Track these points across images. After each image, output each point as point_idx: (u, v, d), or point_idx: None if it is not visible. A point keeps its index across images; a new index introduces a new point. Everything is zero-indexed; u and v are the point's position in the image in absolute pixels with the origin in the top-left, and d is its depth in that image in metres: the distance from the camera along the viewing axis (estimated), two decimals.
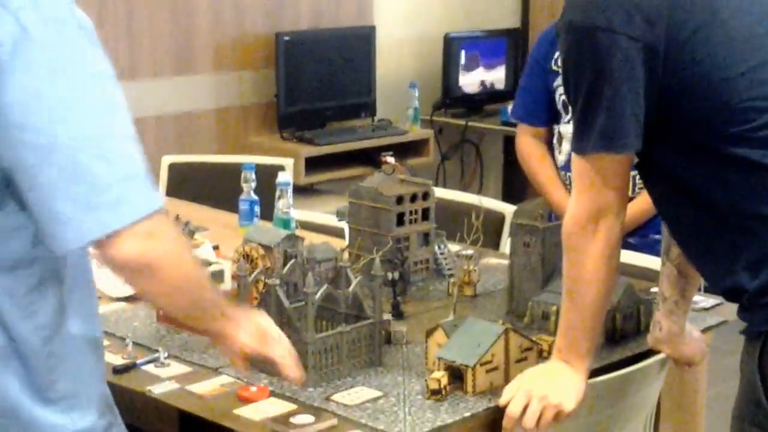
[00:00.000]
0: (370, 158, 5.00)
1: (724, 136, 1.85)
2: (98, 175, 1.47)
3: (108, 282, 2.70)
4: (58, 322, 1.59)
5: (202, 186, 4.04)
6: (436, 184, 5.58)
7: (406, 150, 5.19)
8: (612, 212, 1.96)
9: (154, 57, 4.70)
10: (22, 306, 1.55)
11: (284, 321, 2.17)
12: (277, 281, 2.22)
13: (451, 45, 5.48)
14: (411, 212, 2.79)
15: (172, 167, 4.10)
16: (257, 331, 1.82)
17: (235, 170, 3.85)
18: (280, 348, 1.87)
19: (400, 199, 2.78)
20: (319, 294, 2.17)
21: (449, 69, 5.50)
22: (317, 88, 5.08)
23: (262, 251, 2.60)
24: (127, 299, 2.64)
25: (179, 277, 1.58)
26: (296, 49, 4.98)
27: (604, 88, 1.87)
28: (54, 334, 1.58)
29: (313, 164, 4.87)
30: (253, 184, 3.31)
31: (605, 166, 1.93)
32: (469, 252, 2.99)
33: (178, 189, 4.03)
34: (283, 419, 1.97)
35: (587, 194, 1.97)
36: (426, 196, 2.83)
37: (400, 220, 2.78)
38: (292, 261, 2.39)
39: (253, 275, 2.30)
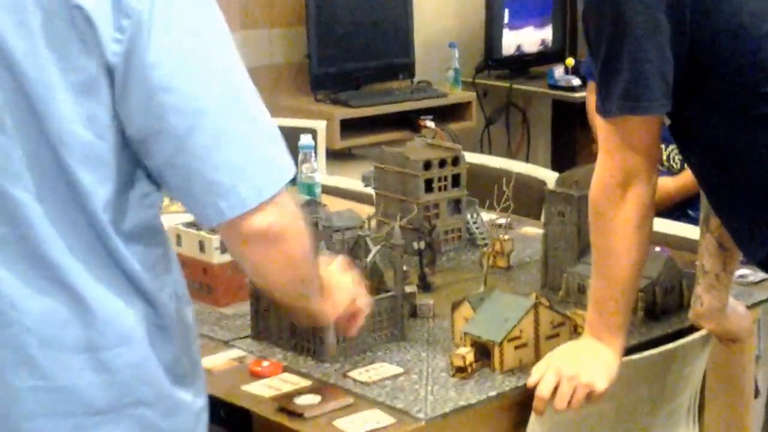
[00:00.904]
0: (408, 122, 4.83)
1: (756, 95, 1.74)
2: (250, 138, 1.39)
3: None
4: (178, 291, 1.51)
5: None
6: (481, 151, 5.42)
7: (446, 113, 5.01)
8: (640, 178, 1.83)
9: None
10: (155, 275, 1.46)
11: None
12: None
13: (494, 2, 5.28)
14: (440, 178, 2.65)
15: None
16: (348, 296, 1.71)
17: None
18: (364, 305, 1.75)
19: (428, 165, 2.64)
20: None
21: (492, 28, 5.30)
22: (352, 47, 4.91)
23: None
24: None
25: (299, 250, 1.48)
26: (329, 6, 4.81)
27: (624, 43, 1.72)
28: (179, 304, 1.50)
29: (348, 127, 4.71)
30: None
31: (631, 128, 1.80)
32: (503, 221, 2.85)
33: None
34: (287, 398, 1.83)
35: (613, 159, 1.84)
36: (456, 161, 2.68)
37: (429, 187, 2.64)
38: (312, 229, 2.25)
39: None
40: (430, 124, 4.81)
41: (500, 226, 2.81)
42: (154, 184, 1.45)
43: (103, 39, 1.34)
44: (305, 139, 3.03)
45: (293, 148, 3.47)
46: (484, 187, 2.82)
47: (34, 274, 1.39)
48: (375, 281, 2.14)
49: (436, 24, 5.34)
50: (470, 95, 5.13)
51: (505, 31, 5.34)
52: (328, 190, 3.16)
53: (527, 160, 5.49)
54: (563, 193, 2.40)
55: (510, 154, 5.51)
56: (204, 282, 2.32)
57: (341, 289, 1.69)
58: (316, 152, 3.90)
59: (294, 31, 4.86)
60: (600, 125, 1.85)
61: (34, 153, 1.37)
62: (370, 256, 2.13)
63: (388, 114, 4.84)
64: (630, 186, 1.83)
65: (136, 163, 1.42)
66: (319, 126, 4.01)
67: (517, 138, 5.72)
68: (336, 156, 4.62)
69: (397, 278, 2.12)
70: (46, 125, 1.36)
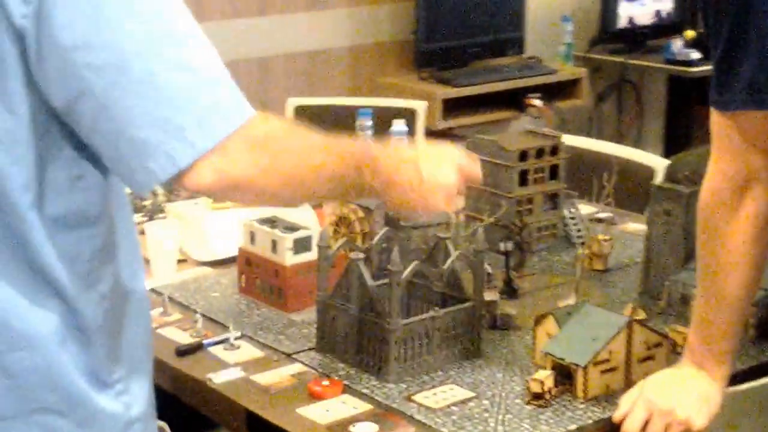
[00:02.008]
0: (515, 100, 4.59)
1: None
2: (182, 86, 1.22)
3: (193, 242, 2.45)
4: (115, 284, 1.35)
5: (329, 131, 3.76)
6: (589, 130, 5.16)
7: (555, 91, 4.76)
8: (761, 181, 1.59)
9: None
10: (85, 273, 1.30)
11: (366, 303, 1.86)
12: (361, 255, 1.90)
13: None
14: (536, 170, 2.43)
15: (299, 110, 3.84)
16: (446, 194, 1.52)
17: (372, 112, 3.58)
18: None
19: (523, 155, 2.42)
20: (406, 273, 1.83)
21: (607, 3, 5.02)
22: (460, 23, 4.68)
23: (361, 213, 2.29)
24: (212, 264, 2.38)
25: (278, 183, 1.32)
26: None
27: (750, 24, 1.47)
28: (113, 302, 1.34)
29: (452, 107, 4.50)
30: (369, 132, 2.99)
31: (753, 124, 1.56)
32: (605, 215, 2.62)
33: None
34: (342, 427, 1.65)
35: (730, 160, 1.60)
36: (555, 150, 2.46)
37: (524, 179, 2.42)
38: (385, 229, 2.06)
39: (336, 246, 1.98)
40: (538, 102, 4.55)
41: (600, 221, 2.60)
42: (93, 164, 1.28)
43: (8, 1, 1.18)
44: (397, 125, 2.84)
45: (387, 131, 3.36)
46: (587, 174, 2.61)
47: None
48: (453, 289, 1.94)
49: None
50: (581, 71, 4.86)
51: (622, 3, 5.05)
52: None
53: (639, 141, 5.21)
54: (670, 189, 2.15)
55: (620, 135, 5.22)
56: (275, 285, 2.16)
57: (435, 187, 1.49)
58: (414, 134, 3.75)
59: (401, 6, 4.66)
60: (714, 121, 1.60)
61: None
62: (449, 261, 1.93)
63: (494, 92, 4.61)
64: (747, 192, 1.60)
65: (62, 140, 1.26)
66: (419, 107, 3.82)
67: (628, 117, 5.43)
68: (436, 136, 4.41)
69: (477, 287, 1.92)
70: None
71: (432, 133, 4.37)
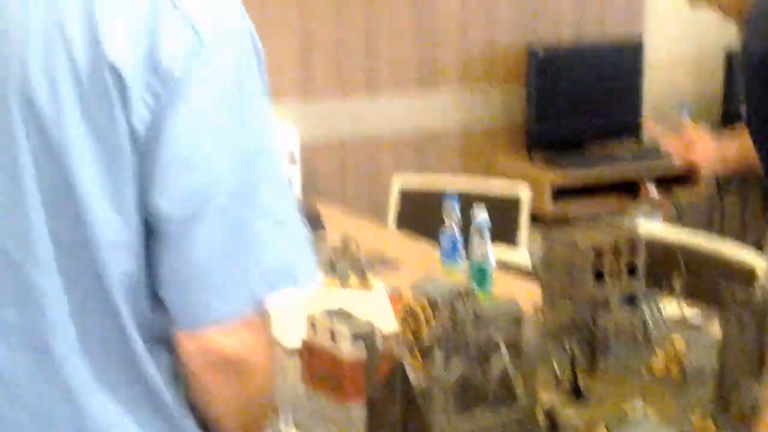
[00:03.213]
0: (629, 187, 4.50)
1: None
2: (264, 234, 1.20)
3: (283, 330, 2.43)
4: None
5: (433, 212, 3.73)
6: (710, 224, 4.98)
7: (674, 180, 4.63)
8: None
9: (395, 71, 4.41)
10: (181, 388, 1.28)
11: (410, 404, 1.80)
12: (406, 354, 1.85)
13: (733, 61, 4.87)
14: (613, 267, 2.34)
15: (404, 189, 3.83)
16: None
17: (474, 197, 3.53)
18: None
19: (598, 252, 2.34)
20: (454, 377, 1.78)
21: (730, 89, 4.89)
22: (573, 107, 4.63)
23: (428, 307, 2.24)
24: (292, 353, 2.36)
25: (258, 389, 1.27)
26: (551, 64, 4.55)
27: None
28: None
29: (563, 192, 4.43)
30: (457, 218, 2.95)
31: None
32: (691, 315, 2.51)
33: (407, 214, 3.76)
34: None
35: None
36: (633, 248, 2.37)
37: (599, 277, 2.34)
38: (437, 330, 2.00)
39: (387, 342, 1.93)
40: (654, 191, 4.45)
41: (684, 323, 2.49)
42: None
43: (131, 101, 1.16)
44: (479, 214, 2.79)
45: (504, 213, 3.31)
46: (678, 270, 2.51)
47: (37, 368, 1.22)
48: (506, 389, 1.87)
49: (669, 82, 4.98)
50: None
51: None
52: (508, 266, 2.92)
53: (760, 240, 5.01)
54: (742, 295, 2.05)
55: (741, 231, 5.03)
56: (333, 376, 2.13)
57: None
58: (518, 219, 3.69)
59: (513, 88, 4.62)
60: None
61: (57, 232, 1.21)
62: (499, 365, 1.86)
63: (607, 178, 4.52)
64: None
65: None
66: (523, 192, 3.76)
67: (753, 211, 5.24)
68: (546, 223, 4.34)
69: (528, 389, 1.84)
70: (71, 200, 1.19)
71: (541, 219, 4.31)
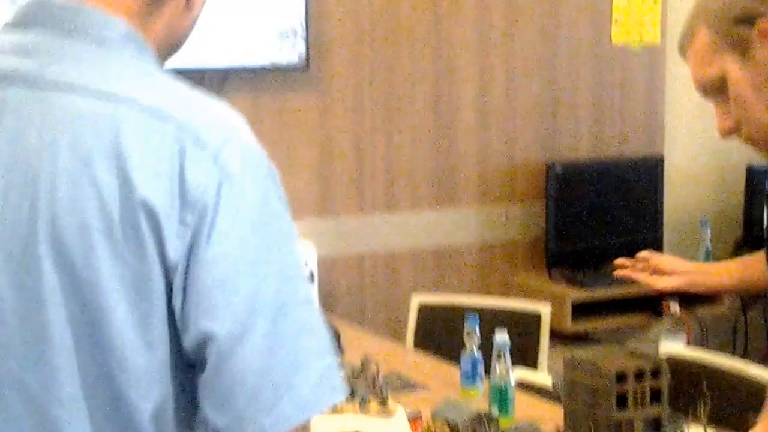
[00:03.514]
0: (652, 304, 4.44)
1: None
2: (305, 348, 1.22)
3: None
4: None
5: (453, 331, 3.69)
6: (734, 342, 4.92)
7: (695, 296, 4.57)
8: None
9: (414, 187, 4.41)
10: None
11: None
12: None
13: (754, 178, 4.85)
14: (635, 393, 2.29)
15: (422, 307, 3.80)
16: None
17: (493, 314, 3.49)
18: None
19: (621, 376, 2.29)
20: None
21: (752, 205, 4.86)
22: (593, 223, 4.60)
23: (447, 430, 2.20)
24: None
25: None
26: (570, 180, 4.54)
27: None
28: None
29: (584, 309, 4.37)
30: (477, 340, 2.90)
31: None
32: None
33: (426, 331, 3.72)
34: None
35: None
36: (656, 373, 2.32)
37: (622, 402, 2.28)
38: None
39: None
40: (676, 307, 4.39)
41: None
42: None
43: (165, 235, 1.18)
44: (499, 336, 2.74)
45: (524, 330, 3.27)
46: (700, 392, 2.45)
47: None
48: None
49: (689, 198, 4.96)
50: None
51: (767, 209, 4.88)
52: (527, 386, 2.86)
53: None
54: None
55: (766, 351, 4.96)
56: None
57: None
58: (539, 338, 3.64)
59: (532, 205, 4.61)
60: None
61: (84, 368, 1.20)
62: None
63: (628, 295, 4.46)
64: None
65: (187, 379, 1.23)
66: (543, 311, 3.72)
67: None
68: (567, 340, 4.29)
69: None
70: (100, 337, 1.19)
71: (561, 336, 4.25)
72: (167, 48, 1.35)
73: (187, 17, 1.36)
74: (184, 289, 1.19)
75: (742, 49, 1.57)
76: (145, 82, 1.25)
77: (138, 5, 1.29)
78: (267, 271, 1.21)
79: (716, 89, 1.63)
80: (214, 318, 1.18)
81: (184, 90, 1.27)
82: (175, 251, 1.18)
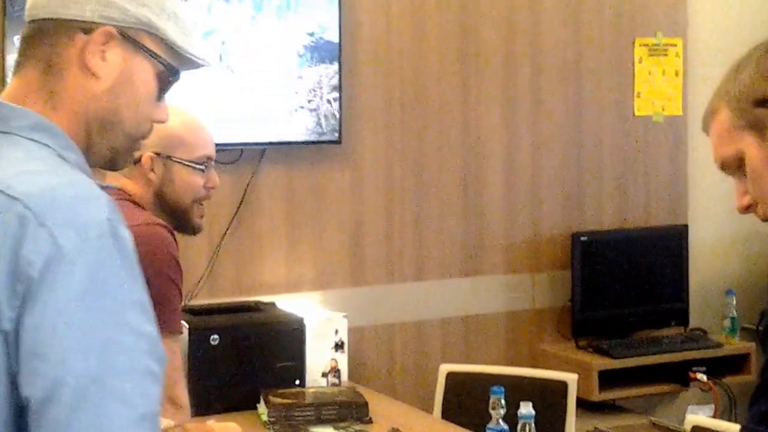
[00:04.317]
0: (678, 374, 4.47)
1: None
2: (111, 416, 1.29)
3: None
4: None
5: (479, 399, 3.73)
6: None
7: (722, 365, 4.60)
8: None
9: (443, 256, 4.48)
10: None
11: None
12: None
13: None
14: None
15: (450, 376, 3.83)
16: None
17: (520, 384, 3.52)
18: None
19: None
20: None
21: None
22: (619, 292, 4.65)
23: None
24: None
25: None
26: (596, 249, 4.60)
27: None
28: None
29: (611, 378, 4.40)
30: (502, 411, 2.95)
31: None
32: None
33: (454, 401, 3.75)
34: None
35: None
36: None
37: None
38: None
39: None
40: (702, 377, 4.42)
41: None
42: None
43: (2, 307, 1.30)
44: (525, 408, 2.80)
45: (551, 399, 3.28)
46: None
47: None
48: None
49: (715, 267, 5.00)
50: (749, 346, 4.70)
51: None
52: None
53: None
54: None
55: None
56: None
57: None
58: (566, 407, 3.67)
59: (558, 274, 4.67)
60: None
61: None
62: None
63: (655, 364, 4.49)
64: None
65: None
66: (571, 380, 3.76)
67: None
68: (595, 410, 4.32)
69: None
70: None
71: (588, 405, 4.28)
72: (98, 123, 1.48)
73: (97, 85, 1.47)
74: (16, 356, 1.30)
75: (759, 129, 1.63)
76: (18, 165, 1.38)
77: (37, 80, 1.44)
78: (84, 342, 1.29)
79: (735, 167, 1.68)
80: (28, 384, 1.29)
81: (51, 172, 1.39)
82: (9, 320, 1.29)
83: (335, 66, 4.11)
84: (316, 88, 4.11)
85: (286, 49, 4.06)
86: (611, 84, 4.81)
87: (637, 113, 4.86)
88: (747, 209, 1.73)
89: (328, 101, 4.13)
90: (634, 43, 4.85)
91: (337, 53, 4.13)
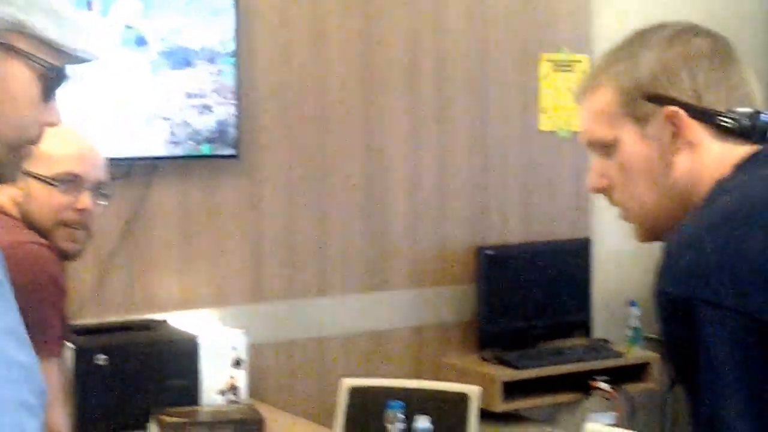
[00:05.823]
0: (581, 383, 4.50)
1: None
2: None
3: None
4: None
5: (381, 413, 3.72)
6: (664, 416, 4.99)
7: (624, 374, 4.65)
8: None
9: (346, 272, 4.46)
10: None
11: None
12: None
13: None
14: None
15: (353, 390, 3.82)
16: None
17: (423, 397, 3.52)
18: None
19: None
20: None
21: None
22: (524, 305, 4.68)
23: None
24: None
25: None
26: (500, 263, 4.63)
27: None
28: None
29: (515, 389, 4.42)
30: (400, 426, 2.95)
31: None
32: None
33: (356, 416, 3.74)
34: None
35: None
36: None
37: None
38: None
39: None
40: (604, 386, 4.46)
41: None
42: None
43: None
44: (422, 422, 2.79)
45: (453, 413, 3.28)
46: None
47: None
48: None
49: (617, 278, 5.06)
50: (651, 356, 4.75)
51: None
52: None
53: None
54: None
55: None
56: None
57: None
58: (467, 418, 3.67)
59: (463, 287, 4.67)
60: None
61: None
62: None
63: (558, 374, 4.53)
64: None
65: None
66: (473, 392, 3.77)
67: None
68: (497, 420, 4.33)
69: None
70: None
71: (492, 416, 4.29)
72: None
73: None
74: None
75: (643, 121, 1.56)
76: None
77: None
78: None
79: (604, 149, 1.61)
80: None
81: None
82: None
83: (195, 71, 3.97)
84: (214, 100, 4.04)
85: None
86: (517, 98, 4.84)
87: (542, 128, 4.90)
88: (599, 191, 1.68)
89: (226, 117, 4.06)
90: (539, 58, 4.89)
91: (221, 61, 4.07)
